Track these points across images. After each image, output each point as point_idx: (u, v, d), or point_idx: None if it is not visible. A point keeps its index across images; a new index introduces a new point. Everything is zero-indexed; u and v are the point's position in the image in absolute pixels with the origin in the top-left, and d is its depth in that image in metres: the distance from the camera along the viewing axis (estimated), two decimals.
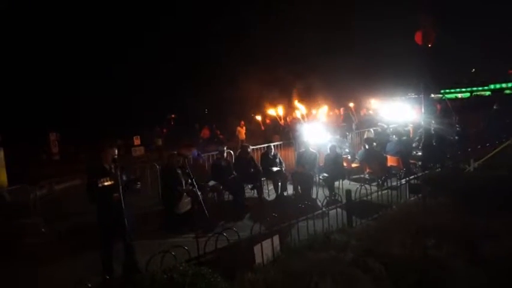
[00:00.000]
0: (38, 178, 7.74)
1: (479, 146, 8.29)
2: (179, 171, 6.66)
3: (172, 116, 30.82)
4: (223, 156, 7.92)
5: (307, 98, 17.60)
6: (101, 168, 4.28)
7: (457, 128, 10.23)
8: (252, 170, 7.86)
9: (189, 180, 6.43)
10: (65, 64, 26.36)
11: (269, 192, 8.19)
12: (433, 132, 9.14)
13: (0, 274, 4.94)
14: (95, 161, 4.50)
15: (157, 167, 7.97)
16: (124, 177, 4.33)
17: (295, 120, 14.48)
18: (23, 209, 6.62)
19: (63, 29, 26.72)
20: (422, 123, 8.74)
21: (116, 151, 4.40)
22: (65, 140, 19.03)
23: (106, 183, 4.15)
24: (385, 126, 11.28)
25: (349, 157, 9.36)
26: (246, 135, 17.06)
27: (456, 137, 9.88)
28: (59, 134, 18.52)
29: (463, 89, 35.16)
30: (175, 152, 7.07)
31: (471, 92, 34.08)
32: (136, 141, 19.30)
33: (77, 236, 6.06)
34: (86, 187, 4.33)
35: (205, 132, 19.13)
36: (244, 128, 17.02)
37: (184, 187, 6.55)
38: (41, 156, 17.59)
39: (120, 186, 4.10)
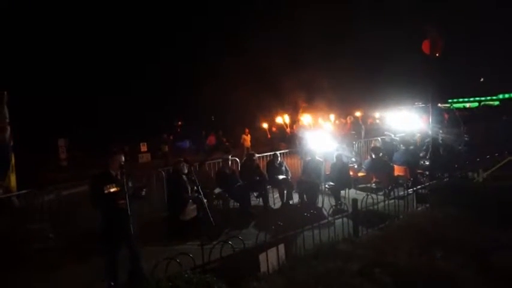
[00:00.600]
0: (45, 183, 7.80)
1: (488, 156, 8.21)
2: (185, 178, 6.68)
3: (179, 123, 31.00)
4: (228, 164, 7.93)
5: (314, 106, 17.62)
6: (107, 174, 4.30)
7: (465, 138, 10.15)
8: (258, 178, 7.85)
9: (195, 187, 6.44)
10: (73, 71, 26.77)
11: (274, 200, 8.16)
12: (440, 141, 9.08)
13: (7, 279, 4.96)
14: (101, 168, 4.52)
15: (163, 173, 8.00)
16: (130, 184, 4.35)
17: (301, 129, 14.46)
18: (31, 214, 6.66)
19: (71, 34, 27.21)
20: (430, 132, 8.68)
21: (123, 158, 4.43)
22: (73, 146, 19.23)
23: (112, 190, 4.17)
24: (392, 135, 11.22)
25: (356, 166, 9.31)
26: (251, 143, 17.07)
27: (464, 147, 9.79)
28: (67, 140, 18.72)
29: (471, 99, 34.86)
30: (182, 159, 7.10)
31: (479, 101, 33.76)
32: (143, 147, 19.46)
33: (83, 242, 6.07)
34: (89, 193, 4.35)
35: (211, 140, 19.21)
36: (249, 135, 17.04)
37: (190, 194, 6.56)
38: (49, 162, 17.76)
39: (126, 193, 4.11)
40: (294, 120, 16.87)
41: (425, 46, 8.02)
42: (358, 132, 14.15)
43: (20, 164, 8.56)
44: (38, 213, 6.59)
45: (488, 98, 33.74)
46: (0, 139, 8.13)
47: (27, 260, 5.47)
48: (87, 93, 26.35)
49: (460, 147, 9.79)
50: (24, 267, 5.26)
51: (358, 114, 16.55)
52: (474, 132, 11.44)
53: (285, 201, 7.86)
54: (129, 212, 4.04)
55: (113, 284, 3.99)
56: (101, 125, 24.54)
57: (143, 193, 4.47)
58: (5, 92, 8.22)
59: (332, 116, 16.48)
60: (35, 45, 25.28)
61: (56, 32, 26.32)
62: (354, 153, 10.34)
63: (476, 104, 33.14)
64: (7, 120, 8.22)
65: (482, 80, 36.30)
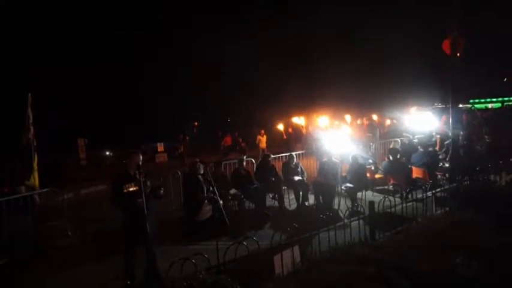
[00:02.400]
0: (65, 182, 8.00)
1: (511, 159, 7.94)
2: (201, 179, 6.72)
3: (195, 123, 31.27)
4: (243, 165, 7.93)
5: (331, 107, 17.48)
6: (127, 174, 4.37)
7: (487, 140, 9.84)
8: (273, 179, 7.82)
9: (211, 188, 6.47)
10: (92, 72, 27.37)
11: (290, 201, 8.12)
12: (461, 143, 8.84)
13: (27, 274, 5.11)
14: (120, 167, 4.59)
15: (180, 174, 8.08)
16: (148, 183, 4.40)
17: (317, 130, 14.35)
18: (51, 211, 6.85)
19: (88, 36, 27.84)
20: (450, 134, 8.47)
21: (141, 157, 4.49)
22: (92, 146, 19.63)
23: (131, 189, 4.23)
24: (411, 136, 11.01)
25: (373, 168, 9.17)
26: (267, 144, 17.00)
27: (486, 149, 9.49)
28: (86, 140, 19.14)
29: (494, 99, 33.88)
30: (197, 160, 7.14)
31: (502, 102, 32.78)
32: (160, 148, 19.70)
33: (100, 240, 6.21)
34: (111, 192, 4.42)
35: (227, 140, 19.29)
36: (264, 136, 16.97)
37: (205, 194, 6.60)
38: (68, 161, 18.17)
39: (143, 193, 4.17)
40: (310, 121, 16.77)
41: (446, 46, 7.81)
42: (374, 133, 13.94)
43: (41, 163, 8.80)
44: (57, 211, 6.77)
45: None
46: (25, 139, 8.40)
47: (47, 256, 5.62)
48: (107, 94, 26.89)
49: (481, 149, 9.49)
50: (43, 263, 5.40)
51: (375, 117, 16.30)
52: (497, 133, 11.06)
53: (300, 202, 7.80)
54: (145, 211, 4.09)
55: (129, 282, 4.04)
56: (119, 125, 24.99)
57: (161, 192, 4.51)
58: (29, 94, 8.49)
59: (348, 117, 16.30)
60: (54, 46, 25.96)
61: (74, 32, 26.99)
62: (370, 154, 10.19)
63: (499, 104, 32.19)
64: (30, 121, 8.48)
65: (505, 79, 35.20)
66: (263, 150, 15.78)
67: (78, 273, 5.05)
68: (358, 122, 15.95)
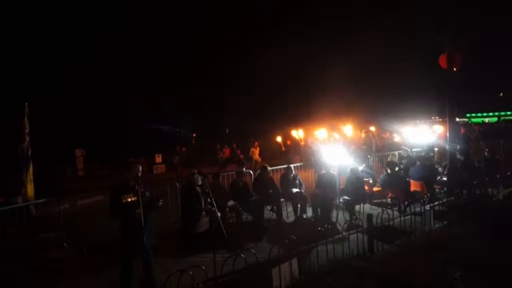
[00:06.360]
0: (62, 193, 7.94)
1: (508, 173, 7.98)
2: (199, 190, 6.70)
3: (194, 135, 31.28)
4: (242, 177, 7.92)
5: (328, 119, 17.57)
6: (125, 184, 4.36)
7: (485, 154, 9.89)
8: (271, 191, 7.80)
9: (208, 200, 6.44)
10: (90, 83, 27.46)
11: (288, 214, 8.08)
12: (459, 157, 8.88)
13: (21, 287, 5.03)
14: (119, 178, 4.57)
15: (177, 185, 8.04)
16: (147, 194, 4.39)
17: (316, 142, 14.37)
18: (47, 223, 6.78)
19: (92, 46, 28.03)
20: (448, 147, 8.50)
21: (140, 168, 4.48)
22: (89, 157, 19.54)
23: (129, 200, 4.21)
24: (408, 149, 11.05)
25: (371, 181, 9.16)
26: (262, 156, 16.91)
27: (484, 163, 9.53)
28: (84, 151, 19.07)
29: (490, 114, 34.20)
30: (196, 171, 7.12)
31: (499, 116, 33.09)
32: (158, 159, 19.63)
33: (97, 251, 6.13)
34: (109, 202, 4.39)
35: (226, 152, 19.27)
36: (258, 148, 16.90)
37: (203, 206, 6.57)
38: (66, 172, 18.06)
39: (141, 203, 4.14)
40: (309, 134, 16.81)
41: (442, 60, 7.90)
42: (370, 146, 13.96)
43: (37, 173, 8.75)
44: (54, 222, 6.70)
45: (509, 113, 33.04)
46: (19, 149, 8.37)
47: (42, 268, 5.54)
48: (105, 104, 26.96)
49: (478, 163, 9.53)
50: (38, 275, 5.32)
51: (373, 129, 16.34)
52: (494, 147, 11.13)
53: (298, 215, 7.76)
54: (142, 222, 4.06)
55: None
56: (116, 135, 24.94)
57: (160, 204, 4.49)
58: (26, 104, 8.49)
59: (347, 129, 16.35)
60: (52, 56, 26.05)
61: (73, 42, 27.17)
62: (368, 167, 10.20)
63: (496, 119, 32.48)
64: (26, 131, 8.46)
65: (501, 94, 35.61)
66: (256, 162, 15.74)
67: (74, 285, 4.97)
68: (361, 133, 15.96)
